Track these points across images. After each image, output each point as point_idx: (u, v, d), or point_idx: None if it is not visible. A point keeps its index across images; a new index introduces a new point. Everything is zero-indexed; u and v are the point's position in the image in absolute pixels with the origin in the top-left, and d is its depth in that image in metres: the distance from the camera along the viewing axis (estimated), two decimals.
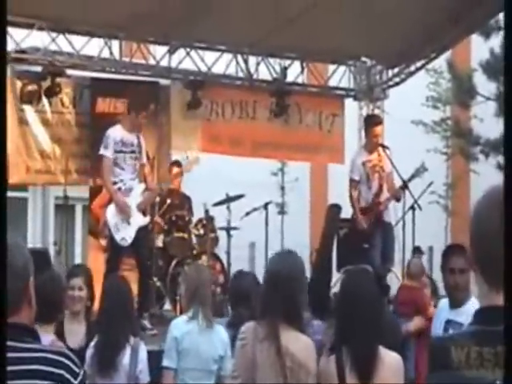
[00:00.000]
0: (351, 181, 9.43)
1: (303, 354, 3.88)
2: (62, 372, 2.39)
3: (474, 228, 2.00)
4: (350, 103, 12.44)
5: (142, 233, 8.19)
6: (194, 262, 6.39)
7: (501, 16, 13.53)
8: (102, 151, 8.14)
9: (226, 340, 5.32)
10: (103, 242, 9.89)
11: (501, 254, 1.90)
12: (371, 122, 9.72)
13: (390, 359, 3.93)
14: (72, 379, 2.40)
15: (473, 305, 4.74)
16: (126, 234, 8.00)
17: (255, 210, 10.42)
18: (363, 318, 3.88)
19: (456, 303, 5.09)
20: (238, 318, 5.43)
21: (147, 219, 8.46)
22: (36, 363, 2.38)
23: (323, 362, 3.94)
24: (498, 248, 1.91)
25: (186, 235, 9.80)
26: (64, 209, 10.54)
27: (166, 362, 5.29)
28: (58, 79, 10.15)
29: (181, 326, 5.35)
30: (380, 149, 9.46)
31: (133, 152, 8.21)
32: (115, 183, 8.11)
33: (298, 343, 3.90)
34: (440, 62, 15.37)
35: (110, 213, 8.08)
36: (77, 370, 2.43)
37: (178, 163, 10.11)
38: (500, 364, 1.86)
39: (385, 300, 5.87)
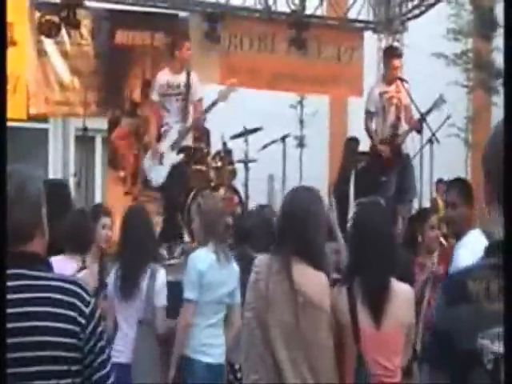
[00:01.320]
0: (367, 112, 9.43)
1: (315, 289, 3.85)
2: (73, 300, 2.44)
3: (489, 157, 1.97)
4: (369, 36, 12.29)
5: (174, 171, 8.48)
6: (209, 193, 6.40)
7: None
8: (150, 96, 8.62)
9: (238, 273, 5.41)
10: (122, 174, 9.97)
11: None
12: (390, 54, 9.64)
13: (401, 291, 3.98)
14: (83, 307, 2.45)
15: (473, 237, 4.76)
16: (158, 175, 8.45)
17: (273, 142, 10.41)
18: (374, 250, 3.90)
19: (456, 237, 5.13)
20: (242, 252, 5.53)
21: (179, 157, 8.64)
22: (48, 291, 2.43)
23: (335, 293, 3.96)
24: None
25: (203, 167, 9.83)
26: (84, 140, 10.58)
27: (189, 295, 5.31)
28: (77, 10, 10.08)
29: (204, 259, 5.36)
30: (398, 82, 9.38)
31: (179, 94, 8.39)
32: (161, 126, 8.45)
33: (311, 278, 3.87)
34: None
35: (147, 157, 8.64)
36: (88, 298, 2.48)
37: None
38: None
39: (395, 232, 5.87)
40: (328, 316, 3.86)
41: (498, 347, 1.82)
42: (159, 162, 8.49)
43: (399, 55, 9.62)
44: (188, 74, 8.55)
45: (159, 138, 8.62)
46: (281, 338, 3.81)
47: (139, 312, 5.42)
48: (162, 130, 8.51)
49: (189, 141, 8.73)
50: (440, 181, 11.61)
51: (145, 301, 5.40)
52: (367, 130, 9.46)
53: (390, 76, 9.43)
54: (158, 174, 8.50)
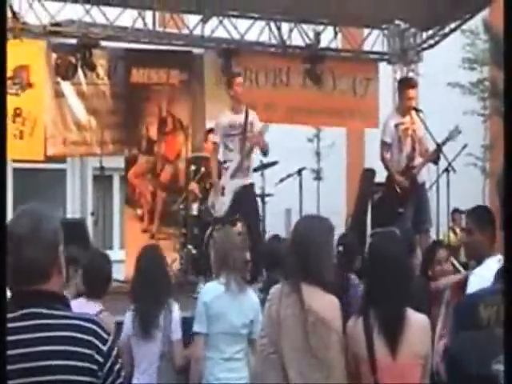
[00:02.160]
0: (383, 143, 9.42)
1: (326, 310, 3.93)
2: (91, 338, 2.45)
3: (501, 186, 2.00)
4: (384, 67, 12.36)
5: (245, 190, 8.77)
6: (223, 227, 6.45)
7: None
8: (211, 138, 9.00)
9: (257, 305, 5.39)
10: (139, 212, 10.01)
11: None
12: (405, 85, 9.66)
13: (417, 321, 3.96)
14: (101, 345, 2.46)
15: (490, 263, 4.75)
16: (220, 204, 8.72)
17: (289, 176, 10.45)
18: (390, 280, 3.91)
19: (475, 264, 5.12)
20: (270, 282, 5.51)
21: (238, 184, 8.82)
22: (66, 330, 2.44)
23: (351, 324, 3.98)
24: None
25: None
26: (101, 179, 10.69)
27: (196, 327, 5.38)
28: (93, 51, 10.23)
29: (211, 290, 5.43)
30: (413, 112, 9.40)
31: (241, 133, 8.77)
32: (224, 162, 8.83)
33: (321, 300, 3.96)
34: (476, 23, 15.17)
35: (212, 194, 8.92)
36: (105, 336, 2.49)
37: (212, 131, 10.19)
38: None
39: (413, 262, 5.86)
40: (339, 337, 3.91)
41: None
42: (221, 194, 8.73)
43: (414, 85, 9.64)
44: (246, 113, 8.78)
45: (219, 175, 8.88)
46: (294, 361, 3.88)
47: (159, 348, 5.44)
48: (226, 165, 8.72)
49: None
50: (456, 210, 11.61)
51: (162, 336, 5.42)
52: (383, 160, 9.47)
53: (404, 106, 9.46)
54: (221, 204, 8.69)
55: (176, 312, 5.52)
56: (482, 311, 1.90)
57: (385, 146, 9.40)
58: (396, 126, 9.36)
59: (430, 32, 12.08)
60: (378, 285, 3.95)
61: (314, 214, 4.36)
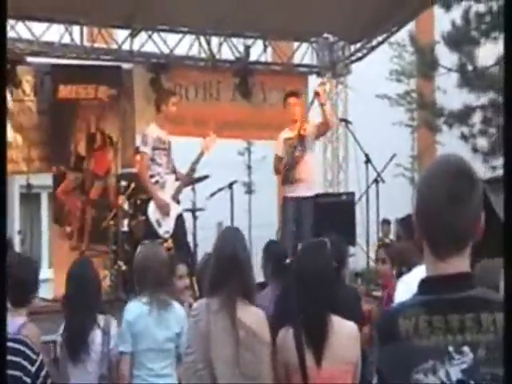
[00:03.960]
0: (276, 157, 9.22)
1: (257, 323, 3.98)
2: (18, 359, 2.36)
3: (417, 196, 2.02)
4: (313, 80, 12.39)
5: (180, 220, 8.69)
6: (147, 243, 6.33)
7: None
8: (142, 148, 8.60)
9: (182, 317, 5.29)
10: (68, 229, 9.82)
11: (444, 222, 1.94)
12: (288, 97, 9.22)
13: (343, 328, 3.96)
14: (29, 366, 2.37)
15: (417, 271, 4.75)
16: (167, 227, 8.54)
17: (220, 190, 10.38)
18: (314, 289, 3.92)
19: (405, 271, 5.15)
20: None
21: (181, 207, 8.85)
22: None
23: (281, 334, 3.98)
24: (440, 216, 1.95)
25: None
26: (29, 197, 10.45)
27: (120, 347, 5.27)
28: (19, 67, 10.02)
29: (133, 309, 5.32)
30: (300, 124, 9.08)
31: (165, 149, 8.65)
32: (152, 176, 8.56)
33: (252, 315, 4.01)
34: (403, 36, 15.36)
35: (151, 209, 8.57)
36: (34, 356, 2.40)
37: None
38: (451, 330, 1.89)
39: (344, 271, 5.88)
40: (269, 349, 3.94)
41: (434, 380, 1.87)
42: (167, 214, 8.53)
43: (295, 94, 9.37)
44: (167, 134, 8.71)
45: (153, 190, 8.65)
46: (225, 375, 3.89)
47: (95, 369, 5.28)
48: (153, 180, 8.54)
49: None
50: (384, 221, 11.67)
51: (100, 358, 5.26)
52: (276, 173, 9.32)
53: (292, 117, 9.06)
54: (167, 226, 8.52)
55: (114, 328, 5.37)
56: (401, 324, 1.93)
57: (276, 157, 9.23)
58: (285, 140, 9.14)
59: (358, 45, 12.19)
60: (303, 294, 3.95)
61: (235, 227, 4.41)
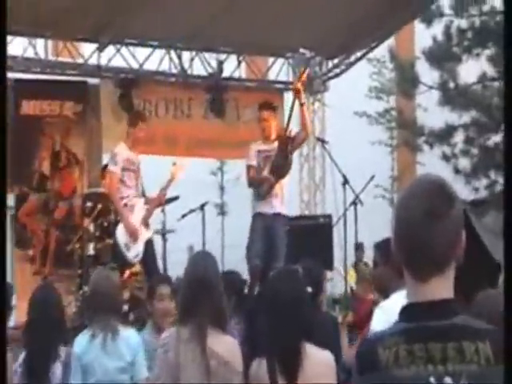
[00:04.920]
0: (248, 167, 8.87)
1: (228, 353, 3.97)
2: None
3: (394, 217, 2.01)
4: (289, 97, 12.40)
5: (149, 245, 8.60)
6: (97, 270, 6.23)
7: (443, 1, 13.70)
8: (111, 168, 8.48)
9: (136, 345, 5.18)
10: (31, 253, 9.72)
11: (422, 242, 1.93)
12: (261, 108, 8.84)
13: (317, 356, 3.93)
14: None
15: (395, 298, 4.71)
16: (136, 251, 8.46)
17: (192, 211, 10.32)
18: (285, 317, 3.90)
19: (383, 297, 5.11)
20: None
21: (151, 231, 8.79)
22: None
23: (255, 365, 3.94)
24: (418, 237, 1.94)
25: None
26: None
27: (71, 379, 5.17)
28: None
29: (81, 339, 5.22)
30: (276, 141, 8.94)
31: (135, 171, 8.57)
32: (121, 199, 8.48)
33: (223, 344, 4.00)
34: (382, 51, 15.44)
35: (120, 233, 8.47)
36: None
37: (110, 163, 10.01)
38: (433, 360, 1.87)
39: (319, 299, 5.83)
40: (242, 379, 3.94)
41: None
42: (136, 239, 8.43)
43: (268, 107, 9.25)
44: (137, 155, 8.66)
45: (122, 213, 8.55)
46: None
47: None
48: (122, 202, 8.46)
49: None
50: (360, 245, 11.57)
51: None
52: (251, 181, 9.03)
53: (265, 132, 8.71)
54: (136, 250, 8.45)
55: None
56: (381, 353, 1.91)
57: (250, 168, 8.94)
58: (259, 152, 8.92)
59: (336, 60, 12.23)
60: (275, 322, 3.93)
61: (207, 251, 4.38)
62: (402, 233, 1.99)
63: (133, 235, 8.46)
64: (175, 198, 9.95)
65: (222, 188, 16.64)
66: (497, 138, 14.63)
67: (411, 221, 1.95)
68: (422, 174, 2.10)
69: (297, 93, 8.42)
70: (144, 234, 8.56)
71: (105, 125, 10.92)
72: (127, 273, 8.61)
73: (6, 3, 2.40)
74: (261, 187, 8.64)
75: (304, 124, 8.48)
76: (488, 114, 14.33)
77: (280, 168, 8.56)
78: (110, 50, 11.10)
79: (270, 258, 8.27)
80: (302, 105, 8.48)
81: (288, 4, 10.05)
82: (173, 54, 11.50)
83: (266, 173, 8.63)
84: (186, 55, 11.61)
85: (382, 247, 5.20)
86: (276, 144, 8.60)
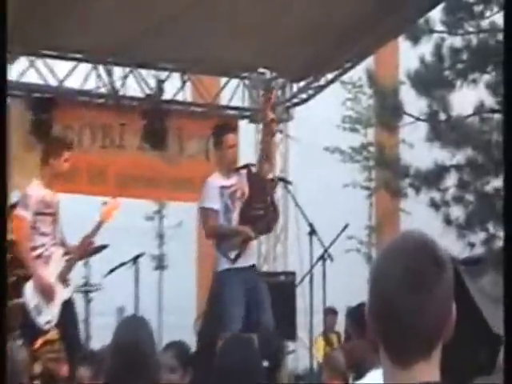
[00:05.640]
0: (206, 210, 8.78)
1: None
2: None
3: (369, 284, 2.01)
4: (245, 126, 12.48)
5: (68, 307, 8.52)
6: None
7: (433, 15, 13.92)
8: (20, 212, 8.47)
9: None
10: None
11: (402, 319, 1.92)
12: (221, 132, 9.00)
13: None
14: None
15: (378, 374, 4.74)
16: (50, 315, 8.38)
17: (123, 264, 10.30)
18: None
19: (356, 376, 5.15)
20: None
21: (71, 289, 8.74)
22: None
23: None
24: (397, 312, 1.93)
25: None
26: None
27: None
28: None
29: None
30: (243, 172, 8.97)
31: (52, 214, 8.57)
32: (34, 249, 8.44)
33: None
34: (359, 74, 15.62)
35: (29, 291, 8.41)
36: None
37: (19, 205, 9.95)
38: None
39: (278, 374, 5.88)
40: None
41: None
42: (50, 298, 8.39)
43: (233, 129, 9.28)
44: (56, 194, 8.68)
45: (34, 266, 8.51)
46: None
47: None
48: (35, 253, 8.39)
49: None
50: (328, 310, 11.59)
51: None
52: (210, 232, 8.94)
53: (226, 163, 8.82)
54: (49, 314, 8.37)
55: None
56: None
57: (211, 212, 8.82)
58: (222, 188, 8.86)
59: (303, 83, 12.33)
60: None
61: (138, 315, 4.42)
62: (377, 305, 1.99)
63: (46, 294, 8.40)
64: (103, 248, 9.93)
65: (160, 236, 16.61)
66: (496, 183, 14.80)
67: (390, 291, 1.95)
68: (404, 231, 2.08)
69: (271, 122, 8.56)
70: (61, 293, 8.52)
71: (14, 155, 10.86)
72: (39, 341, 8.52)
73: None
74: (230, 241, 8.59)
75: (270, 156, 8.63)
76: (486, 153, 14.52)
77: (263, 218, 8.62)
78: (23, 62, 11.08)
79: (254, 315, 8.28)
80: (273, 135, 8.63)
81: (244, 14, 10.13)
82: (101, 69, 11.51)
83: (236, 218, 8.61)
84: (117, 71, 11.63)
85: (355, 315, 5.24)
86: (242, 176, 8.67)
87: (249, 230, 8.55)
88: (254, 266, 8.84)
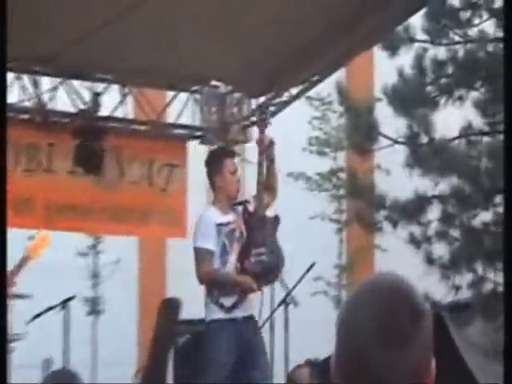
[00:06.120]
0: (202, 252, 8.88)
1: None
2: None
3: (336, 334, 2.03)
4: (194, 148, 12.45)
5: None
6: None
7: (413, 21, 13.98)
8: None
9: None
10: None
11: (373, 375, 1.94)
12: (222, 157, 9.25)
13: None
14: None
15: None
16: None
17: (50, 309, 10.24)
18: None
19: None
20: None
21: None
22: None
23: None
24: (367, 366, 1.94)
25: None
26: None
27: None
28: None
29: None
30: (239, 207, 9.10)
31: None
32: None
33: None
34: (328, 89, 15.65)
35: None
36: None
37: None
38: None
39: None
40: None
41: None
42: None
43: (232, 153, 9.35)
44: None
45: None
46: None
47: None
48: None
49: None
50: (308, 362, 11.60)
51: None
52: (204, 277, 8.93)
53: (232, 192, 9.00)
54: None
55: None
56: None
57: (206, 254, 8.84)
58: (220, 226, 8.89)
59: (262, 99, 12.33)
60: None
61: (67, 369, 4.43)
62: (345, 356, 1.99)
63: None
64: (26, 296, 9.88)
65: (94, 275, 16.51)
66: (485, 216, 14.86)
67: (359, 341, 1.96)
68: (378, 272, 2.12)
69: (269, 146, 8.64)
70: None
71: None
72: None
73: None
74: (226, 288, 8.59)
75: (272, 188, 8.69)
76: (474, 182, 14.58)
77: (265, 265, 8.66)
78: None
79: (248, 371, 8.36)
80: (272, 161, 8.69)
81: (194, 18, 10.11)
82: (26, 80, 11.43)
83: (233, 262, 8.63)
84: (45, 82, 11.56)
85: (321, 368, 5.23)
86: (239, 213, 8.72)
87: (250, 281, 8.55)
88: (252, 316, 8.78)
